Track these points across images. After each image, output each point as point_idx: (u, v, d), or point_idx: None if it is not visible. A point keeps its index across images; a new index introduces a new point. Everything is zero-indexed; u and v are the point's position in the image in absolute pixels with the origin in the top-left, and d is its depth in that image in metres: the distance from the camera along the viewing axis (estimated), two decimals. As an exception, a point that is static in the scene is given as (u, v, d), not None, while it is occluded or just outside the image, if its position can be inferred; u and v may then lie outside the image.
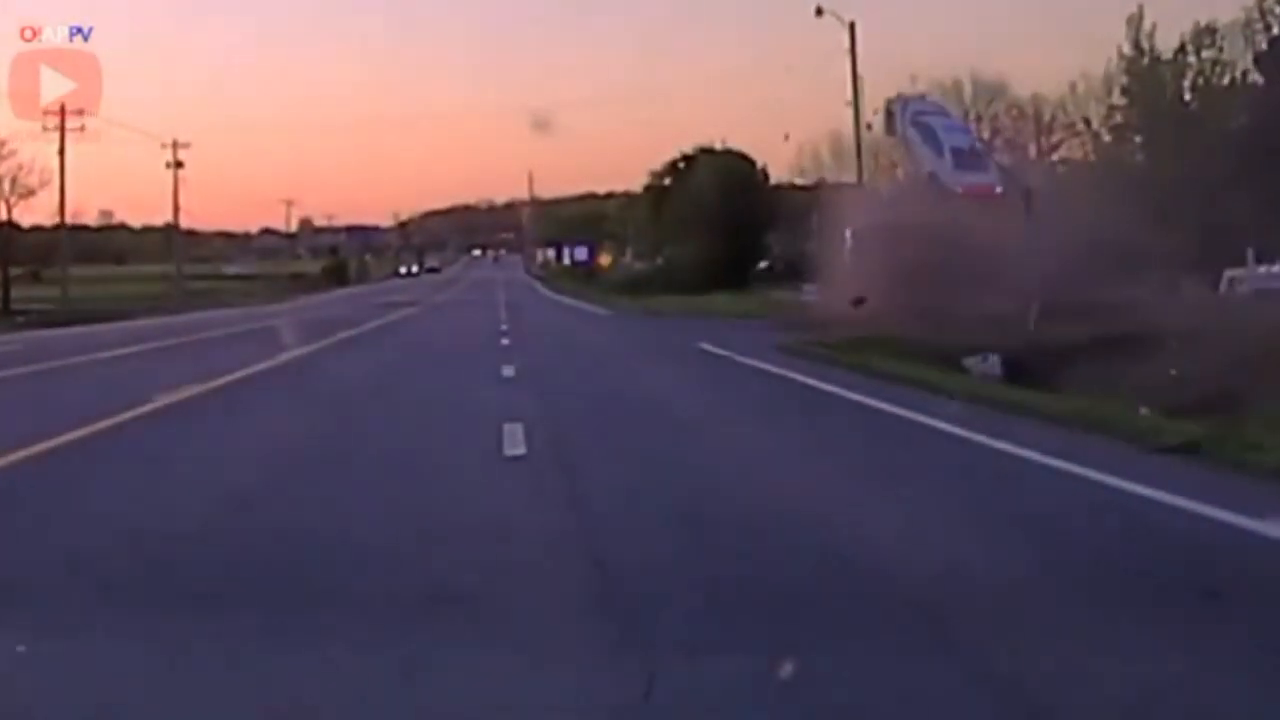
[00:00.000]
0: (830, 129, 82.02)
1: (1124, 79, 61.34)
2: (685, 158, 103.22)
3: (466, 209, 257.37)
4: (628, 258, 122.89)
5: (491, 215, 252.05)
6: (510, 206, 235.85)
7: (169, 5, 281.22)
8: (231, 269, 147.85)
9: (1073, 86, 69.22)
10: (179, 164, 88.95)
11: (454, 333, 47.17)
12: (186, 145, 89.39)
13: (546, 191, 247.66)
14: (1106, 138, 65.88)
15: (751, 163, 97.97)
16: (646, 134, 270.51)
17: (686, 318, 51.40)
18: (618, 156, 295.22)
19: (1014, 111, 75.53)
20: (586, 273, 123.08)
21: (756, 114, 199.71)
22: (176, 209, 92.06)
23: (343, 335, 41.78)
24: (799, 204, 78.08)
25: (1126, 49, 60.98)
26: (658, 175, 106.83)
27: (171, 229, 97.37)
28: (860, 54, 64.76)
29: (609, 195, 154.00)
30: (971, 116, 76.22)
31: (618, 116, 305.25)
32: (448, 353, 35.86)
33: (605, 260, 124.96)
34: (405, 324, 53.99)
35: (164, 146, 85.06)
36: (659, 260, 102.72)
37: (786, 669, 6.04)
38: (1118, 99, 62.31)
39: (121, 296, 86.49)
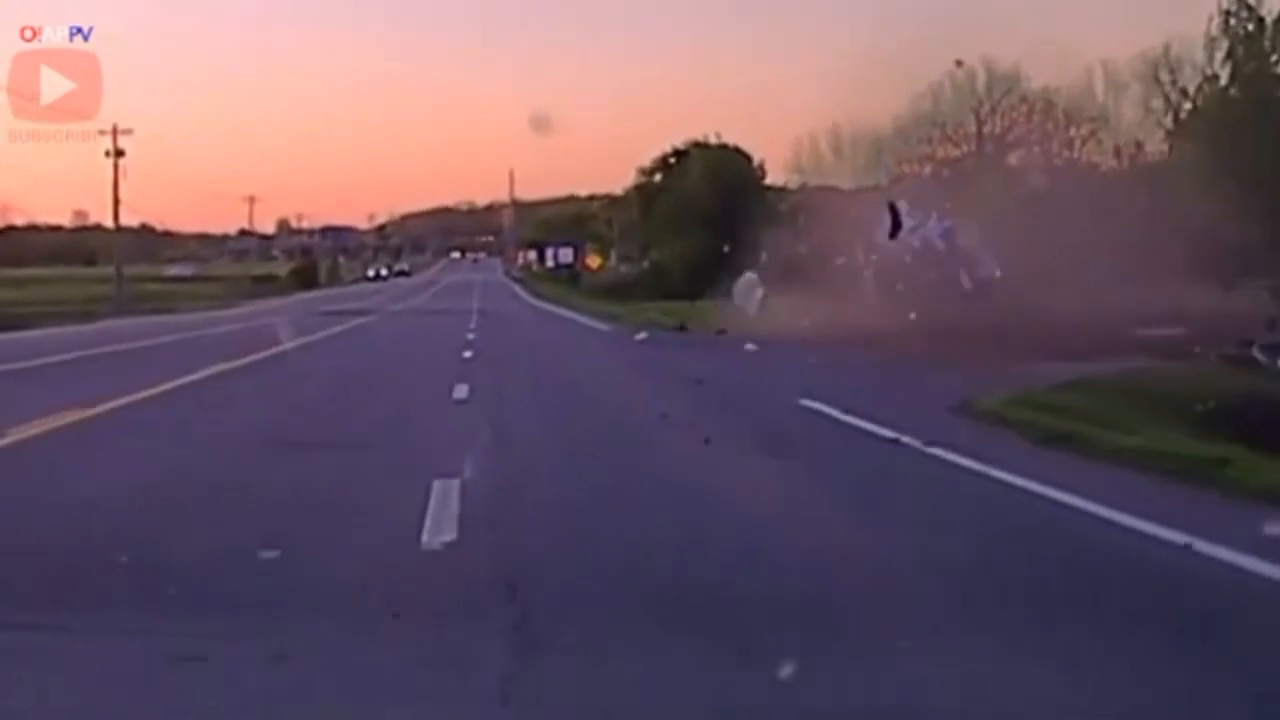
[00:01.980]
0: (830, 123, 79.02)
1: (1225, 44, 54.94)
2: (677, 153, 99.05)
3: (446, 210, 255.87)
4: (612, 260, 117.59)
5: (472, 217, 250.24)
6: (491, 208, 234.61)
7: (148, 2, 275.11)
8: (173, 270, 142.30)
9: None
10: (119, 153, 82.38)
11: (399, 362, 35.77)
12: (129, 131, 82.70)
13: (528, 193, 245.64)
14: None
15: (748, 158, 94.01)
16: (633, 135, 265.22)
17: (715, 338, 42.07)
18: (602, 158, 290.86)
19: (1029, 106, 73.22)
20: (570, 276, 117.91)
21: (753, 107, 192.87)
22: (116, 202, 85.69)
23: (246, 360, 33.20)
24: (798, 203, 74.52)
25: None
26: (647, 172, 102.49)
27: (145, 230, 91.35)
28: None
29: (591, 198, 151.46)
30: (985, 109, 75.32)
31: (603, 117, 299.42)
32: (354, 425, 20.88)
33: (595, 262, 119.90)
34: (338, 346, 43.32)
35: (102, 133, 78.12)
36: (645, 263, 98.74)
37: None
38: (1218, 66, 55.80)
39: (61, 300, 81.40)
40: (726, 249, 68.23)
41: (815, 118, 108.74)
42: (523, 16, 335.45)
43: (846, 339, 34.48)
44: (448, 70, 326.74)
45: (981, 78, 75.09)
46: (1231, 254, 48.67)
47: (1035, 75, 71.72)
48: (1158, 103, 67.56)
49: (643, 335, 42.33)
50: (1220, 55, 54.72)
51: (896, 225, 47.18)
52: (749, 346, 34.09)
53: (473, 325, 53.51)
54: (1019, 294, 43.24)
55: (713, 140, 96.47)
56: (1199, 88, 56.00)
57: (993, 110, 75.83)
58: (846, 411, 19.05)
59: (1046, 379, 23.00)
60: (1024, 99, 74.46)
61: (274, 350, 36.60)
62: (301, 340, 42.25)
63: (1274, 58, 53.65)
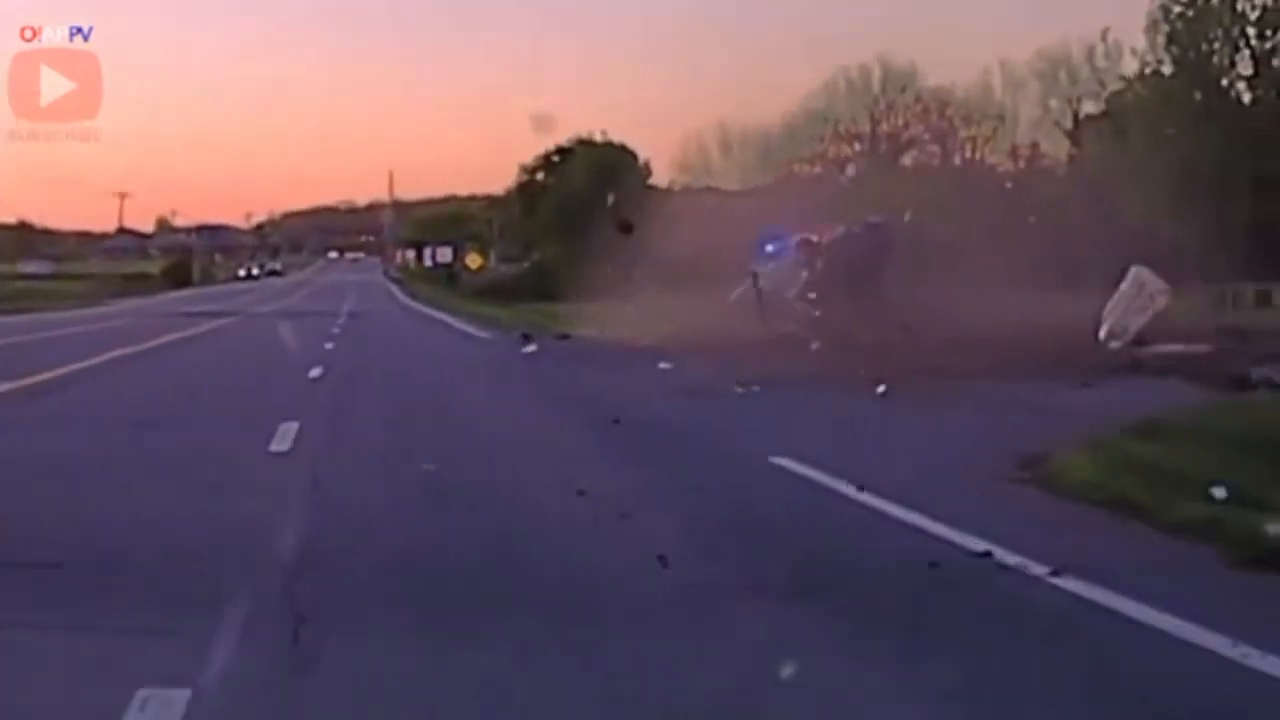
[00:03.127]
0: (718, 121, 77.60)
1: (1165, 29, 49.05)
2: (561, 150, 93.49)
3: (326, 210, 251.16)
4: (493, 261, 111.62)
5: (352, 216, 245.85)
6: (371, 208, 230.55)
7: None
8: (30, 268, 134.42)
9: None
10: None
11: (222, 386, 26.50)
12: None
13: (409, 193, 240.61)
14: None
15: (634, 157, 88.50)
16: (517, 134, 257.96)
17: (605, 348, 34.77)
18: (485, 157, 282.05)
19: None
20: (449, 276, 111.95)
21: (640, 105, 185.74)
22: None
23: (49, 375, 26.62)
24: (683, 204, 67.87)
25: None
26: (530, 170, 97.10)
27: (24, 226, 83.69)
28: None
29: (472, 197, 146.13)
30: (880, 107, 73.05)
31: (486, 116, 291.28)
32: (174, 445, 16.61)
33: (475, 262, 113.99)
34: (159, 360, 34.80)
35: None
36: (527, 264, 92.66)
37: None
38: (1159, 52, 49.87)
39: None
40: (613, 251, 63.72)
41: (703, 116, 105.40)
42: (401, 15, 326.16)
43: (755, 351, 28.35)
44: (328, 70, 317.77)
45: (877, 75, 72.84)
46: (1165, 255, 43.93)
47: (932, 73, 70.15)
48: (1056, 102, 65.81)
49: (532, 348, 34.88)
50: (1161, 41, 48.75)
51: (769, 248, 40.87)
52: (663, 365, 26.76)
53: (336, 331, 45.96)
54: (921, 302, 37.75)
55: (598, 138, 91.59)
56: (1138, 76, 49.91)
57: (888, 108, 73.16)
58: (860, 488, 11.95)
59: (1083, 414, 16.27)
60: (919, 98, 72.04)
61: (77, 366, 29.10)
62: (121, 352, 34.81)
63: (1215, 43, 47.80)
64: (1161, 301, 26.59)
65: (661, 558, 9.20)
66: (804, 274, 37.75)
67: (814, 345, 30.70)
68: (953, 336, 28.83)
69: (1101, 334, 23.87)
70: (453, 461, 14.53)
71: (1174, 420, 15.34)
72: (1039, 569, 8.78)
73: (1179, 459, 12.57)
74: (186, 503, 11.99)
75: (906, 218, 40.32)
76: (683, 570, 9.04)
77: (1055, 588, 8.42)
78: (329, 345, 37.37)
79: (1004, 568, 8.95)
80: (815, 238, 38.82)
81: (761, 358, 27.15)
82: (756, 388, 21.80)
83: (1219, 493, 10.71)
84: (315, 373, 27.17)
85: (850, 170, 41.88)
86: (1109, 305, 26.89)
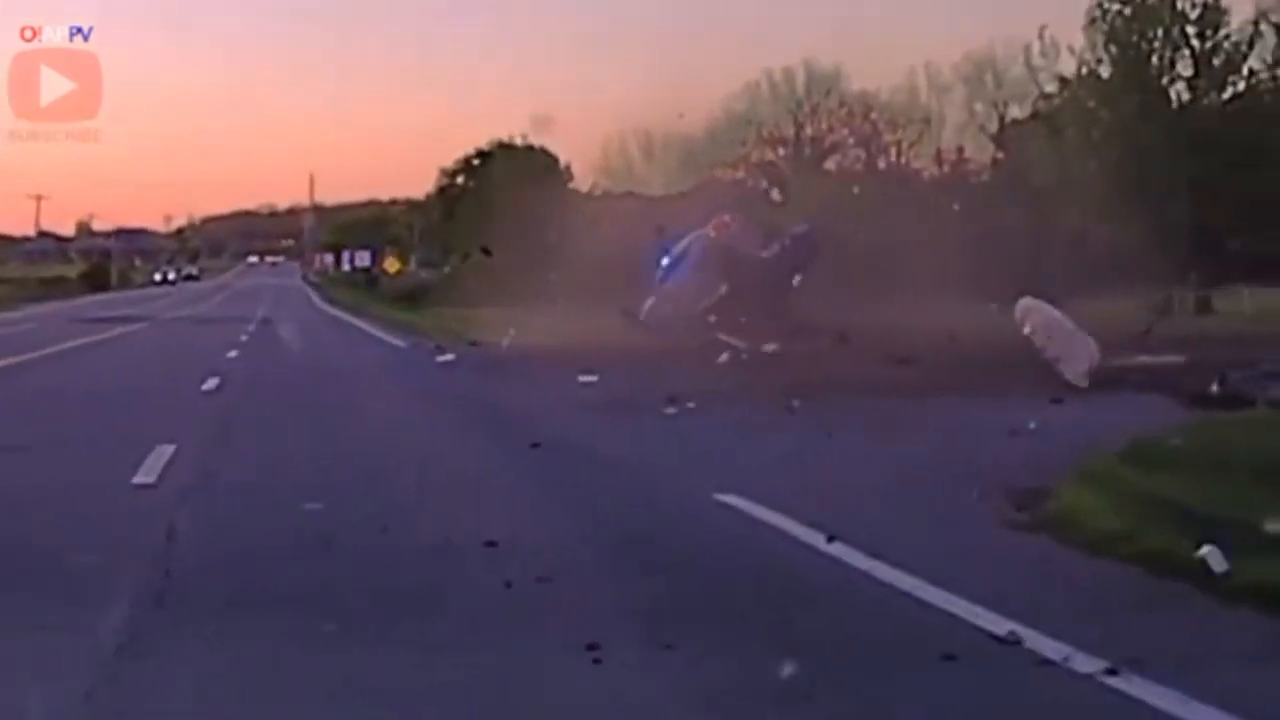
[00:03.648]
0: (640, 125, 73.69)
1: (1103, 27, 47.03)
2: (481, 154, 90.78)
3: (246, 214, 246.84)
4: (413, 265, 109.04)
5: (273, 220, 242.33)
6: (292, 212, 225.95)
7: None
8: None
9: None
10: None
11: (105, 401, 23.18)
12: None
13: (330, 197, 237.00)
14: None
15: (555, 160, 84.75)
16: (438, 138, 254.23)
17: (526, 357, 31.39)
18: (407, 161, 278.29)
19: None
20: (368, 280, 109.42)
21: (563, 107, 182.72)
22: None
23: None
24: (604, 208, 66.88)
25: None
26: (450, 173, 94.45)
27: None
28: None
29: (393, 201, 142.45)
30: (804, 111, 71.05)
31: (408, 120, 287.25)
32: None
33: (393, 266, 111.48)
34: (41, 372, 31.33)
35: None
36: (448, 268, 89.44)
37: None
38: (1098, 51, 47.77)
39: None
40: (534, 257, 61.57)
41: (625, 119, 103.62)
42: (323, 16, 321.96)
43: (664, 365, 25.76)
44: (248, 73, 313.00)
45: (801, 78, 70.72)
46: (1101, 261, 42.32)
47: (857, 77, 68.98)
48: (982, 106, 64.77)
49: (448, 357, 32.44)
50: (1099, 40, 46.72)
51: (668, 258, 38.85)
52: (585, 378, 24.36)
53: (244, 338, 43.10)
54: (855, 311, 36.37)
55: (518, 141, 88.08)
56: (1076, 76, 47.86)
57: (812, 112, 70.95)
58: (830, 538, 9.71)
59: (1064, 437, 14.21)
60: (843, 102, 69.93)
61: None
62: (14, 360, 32.20)
63: (1154, 43, 45.90)
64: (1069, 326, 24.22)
65: (593, 647, 6.95)
66: (716, 284, 35.72)
67: (744, 355, 28.62)
68: (895, 347, 26.66)
69: (1072, 378, 21.48)
70: (344, 498, 12.20)
71: (1169, 443, 13.23)
72: (1088, 662, 6.57)
73: (1201, 495, 10.43)
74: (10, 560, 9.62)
75: (804, 229, 37.97)
76: (622, 668, 6.78)
77: (1116, 693, 6.22)
78: (232, 354, 34.82)
79: (1042, 661, 6.73)
80: (713, 233, 36.70)
81: (690, 370, 24.96)
82: (690, 404, 19.51)
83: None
84: (210, 385, 24.73)
85: (769, 190, 39.69)
86: (1046, 348, 24.28)
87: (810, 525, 10.16)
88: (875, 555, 9.10)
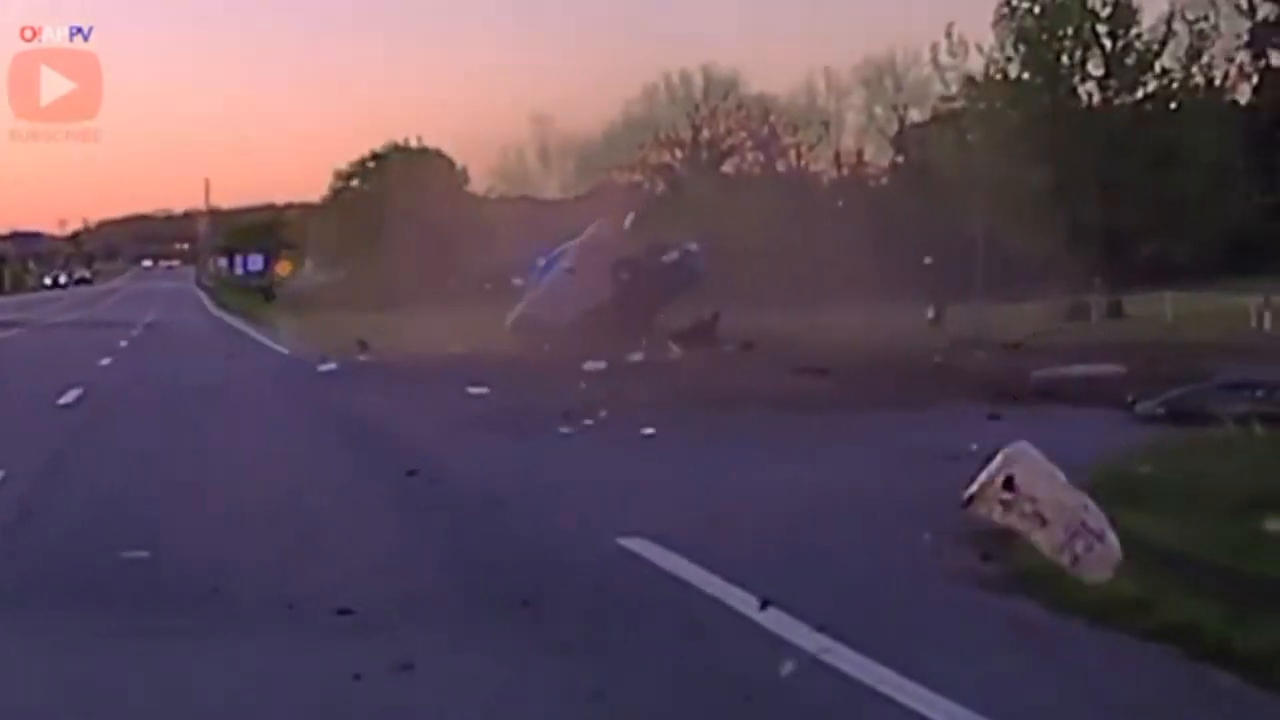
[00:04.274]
0: (537, 128, 73.44)
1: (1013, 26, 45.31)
2: (375, 156, 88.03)
3: (143, 218, 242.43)
4: (308, 269, 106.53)
5: (170, 224, 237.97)
6: (189, 216, 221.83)
7: None
8: None
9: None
10: None
11: None
12: None
13: (226, 201, 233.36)
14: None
15: (450, 163, 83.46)
16: (336, 142, 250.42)
17: (414, 366, 29.34)
18: (304, 164, 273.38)
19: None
20: (261, 285, 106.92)
21: (460, 110, 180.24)
22: None
23: None
24: (499, 212, 67.20)
25: None
26: (344, 176, 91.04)
27: None
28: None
29: (289, 205, 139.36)
30: (702, 115, 70.71)
31: (305, 124, 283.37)
32: None
33: (285, 269, 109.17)
34: None
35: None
36: (342, 273, 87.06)
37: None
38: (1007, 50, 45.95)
39: None
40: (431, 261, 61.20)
41: (523, 122, 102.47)
42: (218, 18, 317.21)
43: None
44: (143, 76, 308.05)
45: (699, 81, 70.52)
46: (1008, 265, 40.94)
47: (756, 80, 69.59)
48: (882, 109, 64.07)
49: (330, 366, 30.15)
50: (1009, 39, 45.01)
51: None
52: (473, 389, 22.16)
53: (123, 345, 40.48)
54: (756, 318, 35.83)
55: (413, 144, 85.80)
56: (984, 75, 46.10)
57: (710, 115, 70.70)
58: (764, 604, 7.68)
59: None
60: (741, 105, 69.67)
61: None
62: None
63: (1065, 41, 44.30)
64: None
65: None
66: (593, 292, 34.12)
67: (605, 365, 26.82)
68: (807, 357, 24.79)
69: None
70: (178, 544, 10.02)
71: (1140, 471, 11.38)
72: None
73: (1197, 538, 8.56)
74: None
75: (694, 247, 36.34)
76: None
77: None
78: (105, 361, 32.38)
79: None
80: (590, 241, 35.38)
81: (588, 382, 22.91)
82: (588, 421, 17.40)
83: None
84: (69, 398, 22.32)
85: (629, 218, 38.38)
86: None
87: (736, 583, 8.14)
88: (819, 627, 7.11)
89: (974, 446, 13.60)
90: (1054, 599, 7.79)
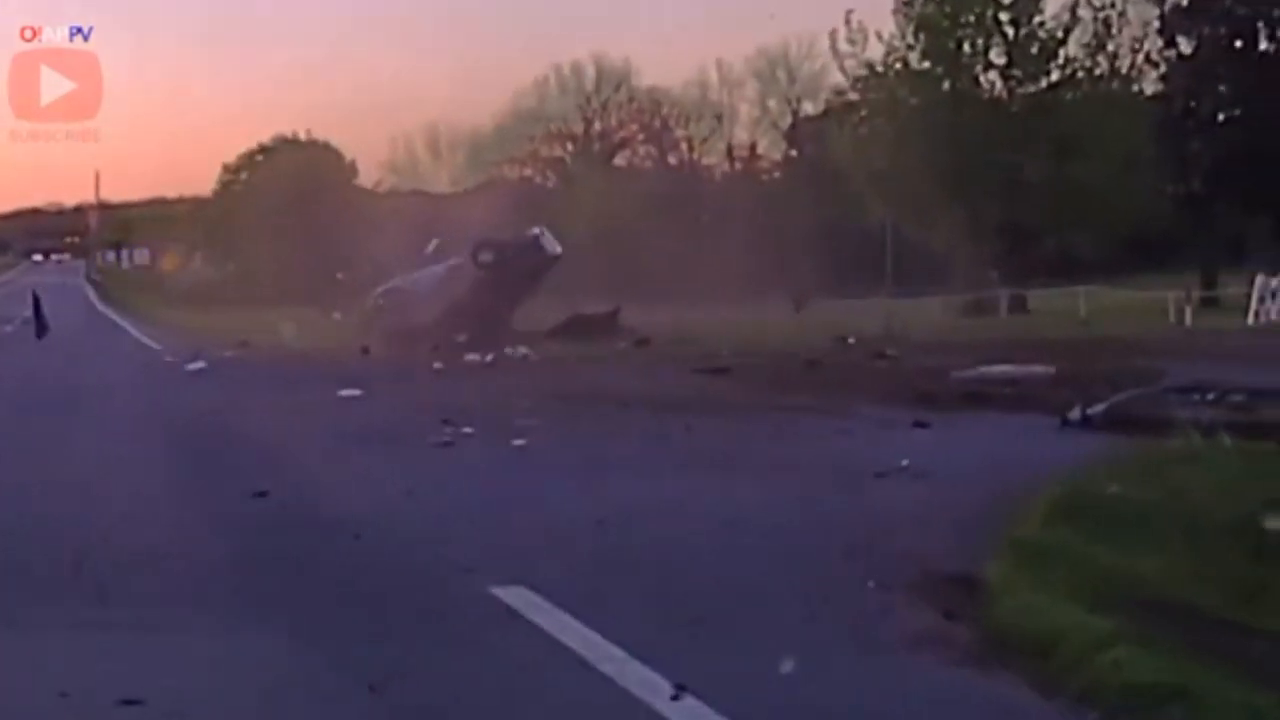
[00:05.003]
0: (427, 121, 73.91)
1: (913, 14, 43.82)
2: (263, 150, 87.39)
3: (35, 212, 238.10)
4: (197, 262, 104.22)
5: (61, 219, 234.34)
6: (80, 210, 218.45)
7: None
8: None
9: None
10: None
11: None
12: None
13: (117, 195, 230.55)
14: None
15: (339, 156, 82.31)
16: (226, 135, 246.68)
17: (288, 364, 28.44)
18: (193, 158, 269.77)
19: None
20: (150, 279, 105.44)
21: (349, 103, 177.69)
22: None
23: None
24: (388, 206, 66.02)
25: None
26: (232, 170, 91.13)
27: None
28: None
29: (180, 199, 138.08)
30: (593, 107, 70.15)
31: (196, 118, 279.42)
32: None
33: (171, 263, 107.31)
34: None
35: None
36: (230, 267, 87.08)
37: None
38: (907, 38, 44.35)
39: None
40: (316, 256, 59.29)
41: (412, 115, 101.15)
42: (110, 12, 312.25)
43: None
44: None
45: (590, 74, 69.84)
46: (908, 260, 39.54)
47: (648, 72, 70.79)
48: (775, 103, 62.98)
49: (199, 364, 28.30)
50: (909, 27, 43.38)
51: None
52: (345, 391, 20.05)
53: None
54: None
55: (302, 137, 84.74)
56: (884, 65, 44.41)
57: (602, 108, 70.31)
58: (677, 690, 5.71)
59: (949, 478, 10.50)
60: (633, 97, 69.48)
61: None
62: None
63: (967, 30, 42.78)
64: None
65: None
66: (448, 293, 32.96)
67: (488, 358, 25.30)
68: (705, 355, 23.01)
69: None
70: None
71: (1108, 492, 9.59)
72: None
73: (1200, 584, 6.74)
74: None
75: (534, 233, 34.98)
76: None
77: None
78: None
79: None
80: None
81: (469, 383, 20.99)
82: (468, 429, 15.33)
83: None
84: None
85: (431, 244, 37.17)
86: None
87: (641, 658, 6.16)
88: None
89: (904, 462, 11.79)
90: (1041, 678, 5.88)
